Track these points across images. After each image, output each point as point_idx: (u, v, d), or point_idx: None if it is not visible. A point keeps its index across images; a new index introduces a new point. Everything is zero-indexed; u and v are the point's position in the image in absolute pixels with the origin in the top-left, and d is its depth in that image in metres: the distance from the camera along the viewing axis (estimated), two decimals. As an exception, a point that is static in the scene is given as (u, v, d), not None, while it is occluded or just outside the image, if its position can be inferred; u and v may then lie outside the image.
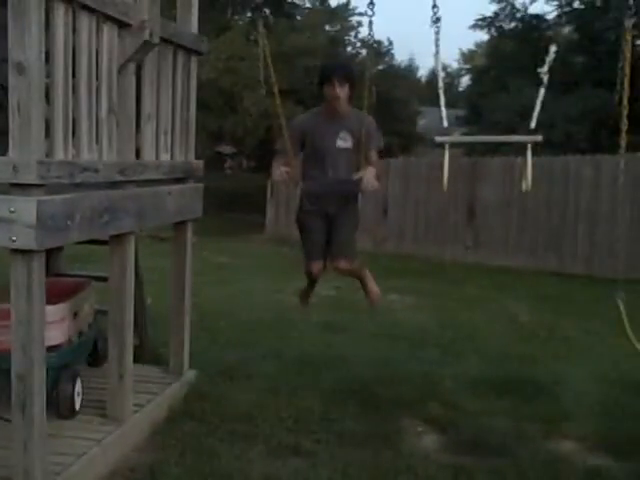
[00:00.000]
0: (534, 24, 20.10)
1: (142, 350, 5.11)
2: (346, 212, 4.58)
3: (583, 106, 15.63)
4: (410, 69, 31.20)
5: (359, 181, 4.35)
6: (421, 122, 25.58)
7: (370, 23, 4.21)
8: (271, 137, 9.56)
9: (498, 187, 12.78)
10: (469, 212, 13.12)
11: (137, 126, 4.13)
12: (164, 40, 4.19)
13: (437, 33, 4.10)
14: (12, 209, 3.03)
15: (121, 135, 3.88)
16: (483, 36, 41.15)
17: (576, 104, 15.65)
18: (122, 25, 3.75)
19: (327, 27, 20.19)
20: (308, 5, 22.78)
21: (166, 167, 4.47)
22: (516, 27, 20.85)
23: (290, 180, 4.47)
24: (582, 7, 18.87)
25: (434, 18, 4.06)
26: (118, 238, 4.01)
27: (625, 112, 4.01)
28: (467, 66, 40.46)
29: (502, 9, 20.56)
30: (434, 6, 4.03)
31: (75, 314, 4.39)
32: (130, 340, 4.20)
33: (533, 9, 40.90)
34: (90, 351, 4.82)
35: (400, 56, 29.18)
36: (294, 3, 22.60)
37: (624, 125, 4.03)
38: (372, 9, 4.13)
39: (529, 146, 4.16)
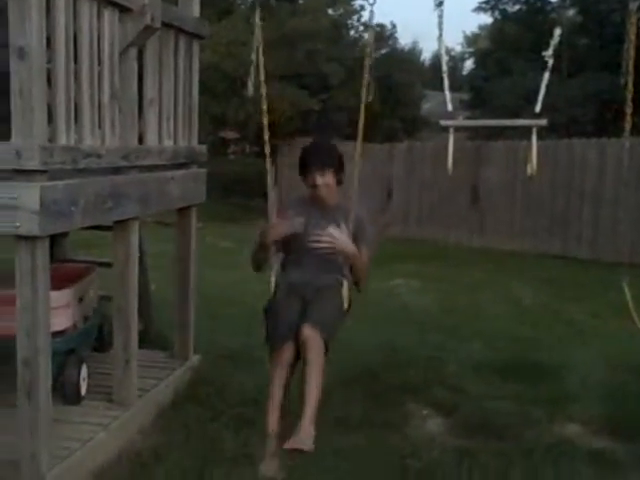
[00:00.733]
0: (538, 7, 20.00)
1: (147, 335, 5.13)
2: (330, 294, 3.85)
3: (588, 89, 15.55)
4: (414, 52, 31.03)
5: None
6: (425, 106, 25.47)
7: (371, 13, 4.03)
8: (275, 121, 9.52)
9: (502, 171, 12.75)
10: (473, 196, 13.10)
11: (140, 111, 4.12)
12: (165, 24, 4.16)
13: (440, 16, 4.08)
14: (15, 195, 3.02)
15: (124, 120, 3.86)
16: (487, 19, 41.01)
17: (581, 87, 15.60)
18: (123, 10, 3.73)
19: (330, 11, 20.04)
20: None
21: (169, 152, 4.46)
22: (520, 10, 20.77)
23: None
24: (586, -11, 18.75)
25: (437, 1, 4.03)
26: (122, 224, 4.00)
27: (630, 95, 4.00)
28: (471, 49, 40.25)
29: (506, -9, 20.49)
30: (437, -11, 4.00)
31: (80, 299, 4.40)
32: (135, 325, 4.20)
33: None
34: (95, 336, 4.84)
35: (404, 39, 29.12)
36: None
37: (629, 108, 4.02)
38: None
39: (534, 130, 4.14)
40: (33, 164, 3.04)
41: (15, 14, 2.98)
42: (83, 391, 4.20)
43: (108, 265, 4.44)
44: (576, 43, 18.04)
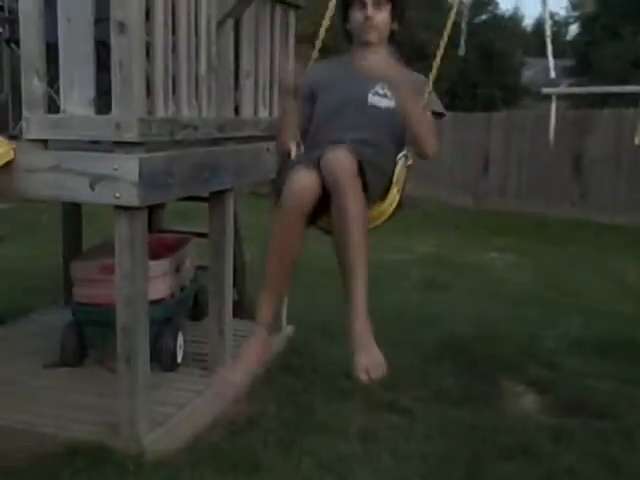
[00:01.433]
0: (649, -32, 18.99)
1: (241, 305, 5.20)
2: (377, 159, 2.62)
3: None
4: (515, 19, 30.09)
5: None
6: (526, 73, 24.74)
7: None
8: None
9: (607, 141, 12.23)
10: (576, 167, 12.65)
11: (236, 83, 4.14)
12: (262, -5, 4.16)
13: (544, -21, 3.89)
14: (116, 167, 3.09)
15: (220, 92, 3.89)
16: (594, -19, 39.22)
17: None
18: (220, -19, 3.74)
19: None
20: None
21: (265, 123, 4.47)
22: (630, -29, 19.77)
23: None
24: None
25: (541, -37, 3.84)
26: (218, 195, 4.05)
27: None
28: (575, 13, 38.70)
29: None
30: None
31: (177, 269, 4.49)
32: (230, 295, 4.26)
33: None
34: (191, 306, 4.94)
35: (505, 5, 28.24)
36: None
37: None
38: None
39: (642, 97, 3.95)
40: (132, 136, 3.09)
41: (115, -12, 3.02)
42: (179, 358, 4.30)
43: (204, 235, 4.51)
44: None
